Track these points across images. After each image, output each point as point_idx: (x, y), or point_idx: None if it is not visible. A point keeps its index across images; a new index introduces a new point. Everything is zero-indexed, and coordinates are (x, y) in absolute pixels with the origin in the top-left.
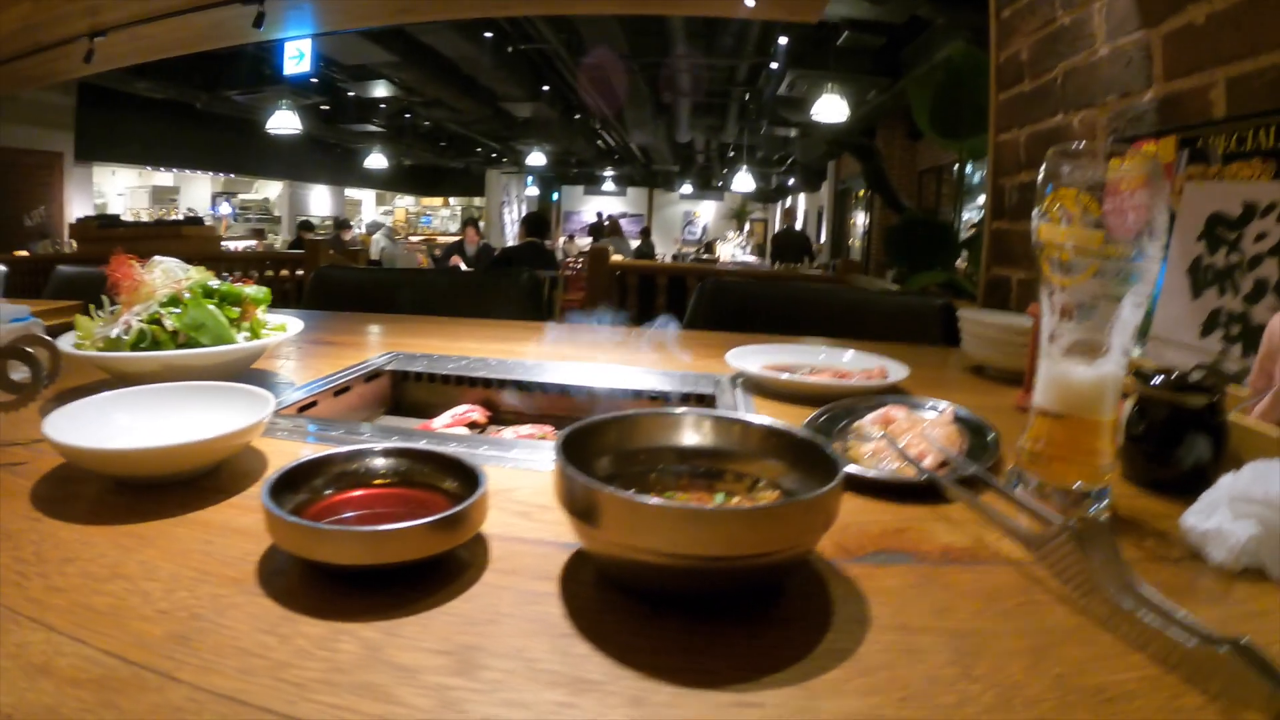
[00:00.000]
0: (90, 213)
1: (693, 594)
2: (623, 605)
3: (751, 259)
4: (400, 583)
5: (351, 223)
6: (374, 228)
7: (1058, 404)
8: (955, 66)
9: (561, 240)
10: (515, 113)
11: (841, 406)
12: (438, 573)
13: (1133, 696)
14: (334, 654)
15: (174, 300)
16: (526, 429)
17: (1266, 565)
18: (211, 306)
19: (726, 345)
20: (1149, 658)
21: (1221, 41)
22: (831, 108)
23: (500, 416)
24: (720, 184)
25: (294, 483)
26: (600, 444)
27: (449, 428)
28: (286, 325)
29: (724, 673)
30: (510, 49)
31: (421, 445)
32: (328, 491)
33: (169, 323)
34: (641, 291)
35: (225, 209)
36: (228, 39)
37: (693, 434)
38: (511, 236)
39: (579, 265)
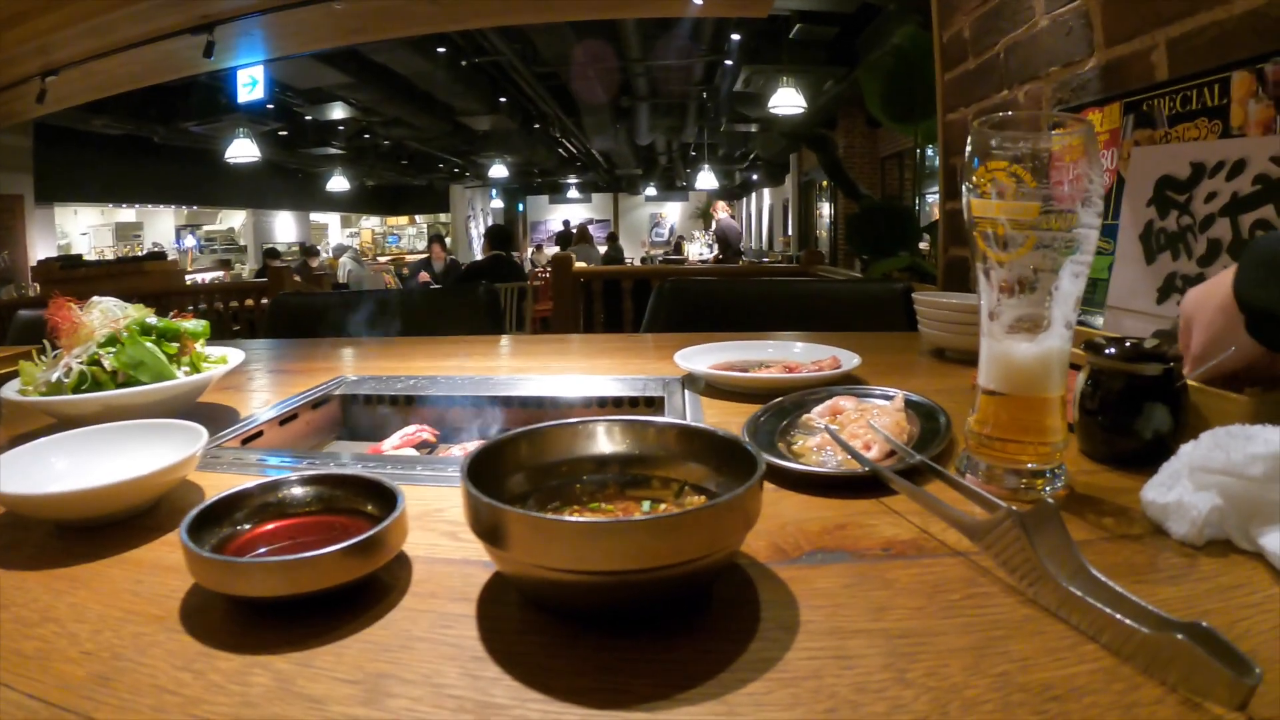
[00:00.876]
0: (53, 254)
1: (611, 610)
2: (542, 626)
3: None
4: (321, 611)
5: (318, 247)
6: (340, 251)
7: (1003, 383)
8: (904, 51)
9: (530, 251)
10: (474, 126)
11: (790, 400)
12: (359, 598)
13: (1083, 693)
14: (246, 688)
15: (112, 340)
16: (474, 446)
17: (1231, 535)
18: (149, 344)
19: (681, 346)
20: (1102, 648)
21: (1160, 3)
22: (788, 101)
23: (449, 435)
24: (684, 184)
25: (216, 518)
26: (513, 461)
27: (398, 449)
28: (227, 358)
29: (640, 690)
30: (465, 63)
31: (339, 470)
32: (246, 525)
33: (108, 363)
34: (606, 297)
35: (190, 241)
36: (180, 70)
37: (609, 442)
38: (478, 250)
39: (547, 275)
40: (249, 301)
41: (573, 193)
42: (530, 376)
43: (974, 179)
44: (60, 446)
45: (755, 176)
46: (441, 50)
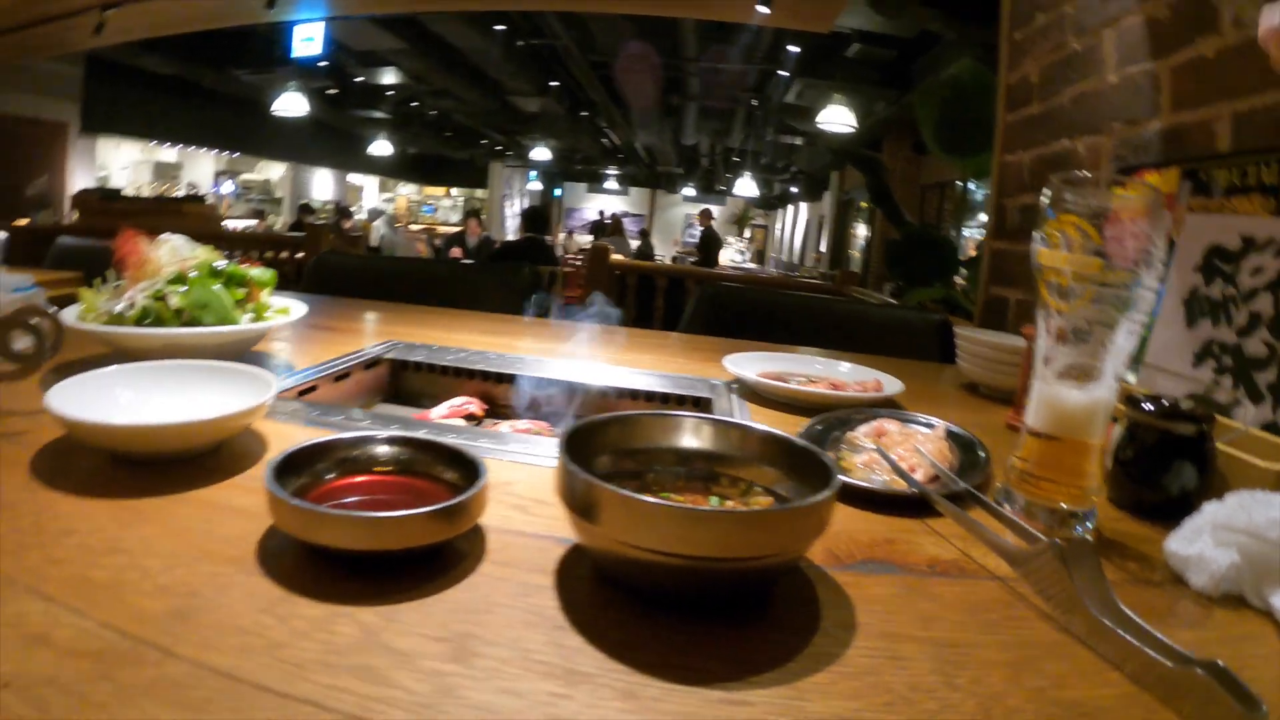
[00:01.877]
0: (92, 185)
1: (686, 593)
2: (617, 601)
3: (751, 265)
4: (398, 569)
5: (352, 209)
6: (375, 215)
7: (1049, 425)
8: (962, 83)
9: (561, 236)
10: (522, 107)
11: (835, 417)
12: (436, 561)
13: (1108, 713)
14: (331, 635)
15: (179, 279)
16: (523, 424)
17: (1245, 592)
18: (217, 287)
19: (723, 350)
20: (1126, 676)
21: (1229, 76)
22: (837, 118)
23: (496, 410)
24: (723, 188)
25: (296, 466)
26: (601, 441)
27: (446, 419)
28: (290, 309)
29: (714, 670)
30: (520, 43)
31: (423, 435)
32: (329, 476)
33: (174, 301)
34: (640, 292)
35: (228, 188)
36: (239, 18)
37: (691, 437)
38: (512, 230)
39: (578, 262)
40: (284, 254)
41: (611, 184)
42: (576, 361)
43: (1045, 229)
44: (125, 378)
45: (794, 189)
46: (499, 28)
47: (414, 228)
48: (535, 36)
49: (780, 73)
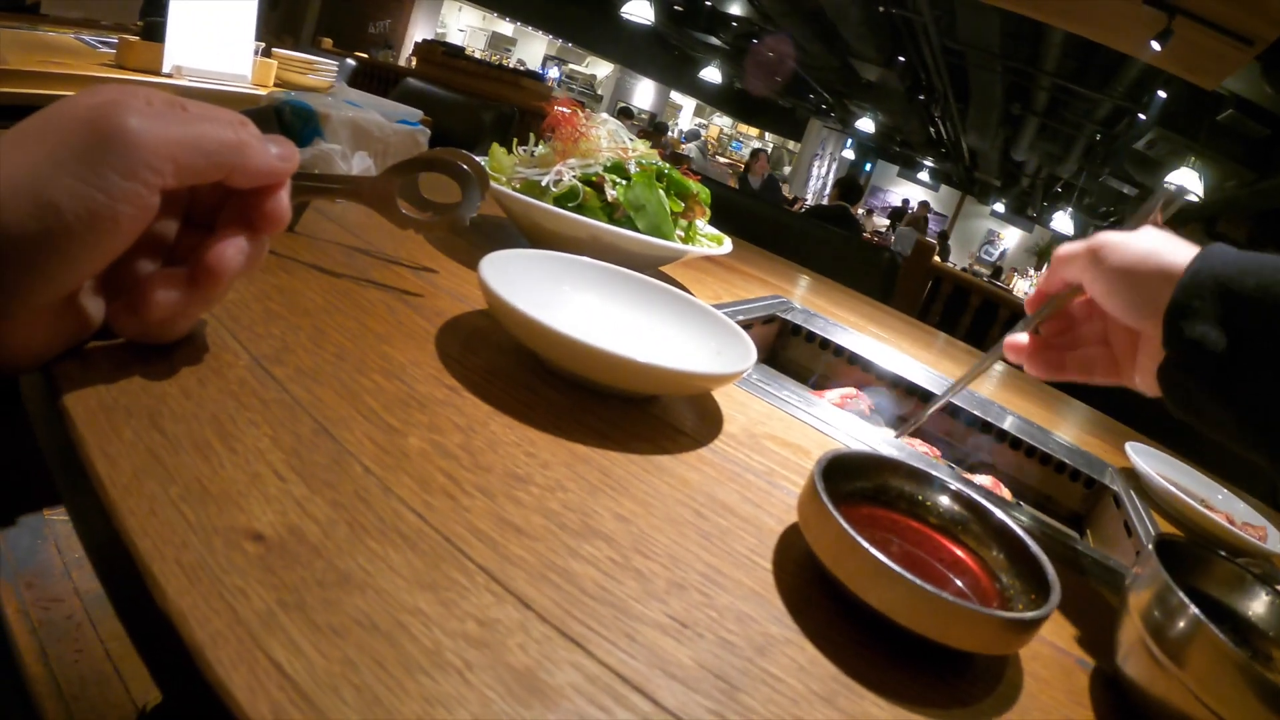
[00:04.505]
0: (431, 39)
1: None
2: None
3: None
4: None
5: (668, 125)
6: (691, 136)
7: None
8: None
9: (860, 212)
10: (862, 73)
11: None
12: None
13: None
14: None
15: (618, 168)
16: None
17: None
18: (660, 191)
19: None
20: None
21: None
22: (1185, 181)
23: (878, 413)
24: (1034, 215)
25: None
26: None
27: (837, 406)
28: (722, 239)
29: None
30: (881, 9)
31: (992, 506)
32: (863, 499)
33: (611, 192)
34: (949, 302)
35: (554, 73)
36: None
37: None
38: (812, 190)
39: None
40: None
41: (923, 175)
42: (949, 380)
43: None
44: (570, 272)
45: None
46: None
47: (720, 160)
48: (897, 6)
49: (1139, 116)
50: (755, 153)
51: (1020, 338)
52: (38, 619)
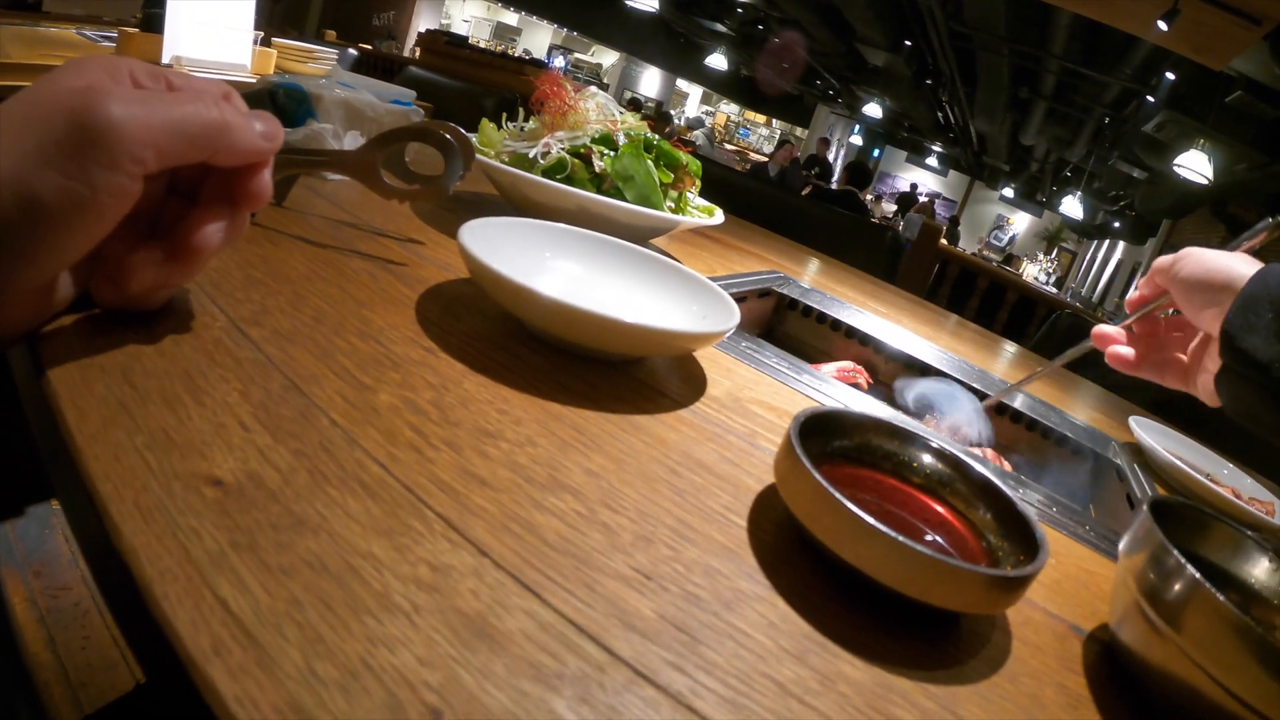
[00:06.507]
0: (434, 29)
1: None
2: None
3: (1052, 291)
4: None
5: (673, 113)
6: (696, 124)
7: None
8: None
9: (868, 197)
10: (868, 58)
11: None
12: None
13: None
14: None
15: (607, 140)
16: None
17: None
18: (649, 162)
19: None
20: None
21: None
22: (1194, 164)
23: (877, 382)
24: (1043, 199)
25: (811, 429)
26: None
27: (835, 378)
28: (714, 211)
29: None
30: None
31: (974, 462)
32: (843, 456)
33: (599, 163)
34: (957, 285)
35: (559, 62)
36: None
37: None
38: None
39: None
40: None
41: (932, 160)
42: (961, 360)
43: None
44: (550, 239)
45: (1117, 225)
46: None
47: (728, 147)
48: None
49: (1148, 98)
50: (781, 143)
51: (1111, 330)
52: (45, 607)
